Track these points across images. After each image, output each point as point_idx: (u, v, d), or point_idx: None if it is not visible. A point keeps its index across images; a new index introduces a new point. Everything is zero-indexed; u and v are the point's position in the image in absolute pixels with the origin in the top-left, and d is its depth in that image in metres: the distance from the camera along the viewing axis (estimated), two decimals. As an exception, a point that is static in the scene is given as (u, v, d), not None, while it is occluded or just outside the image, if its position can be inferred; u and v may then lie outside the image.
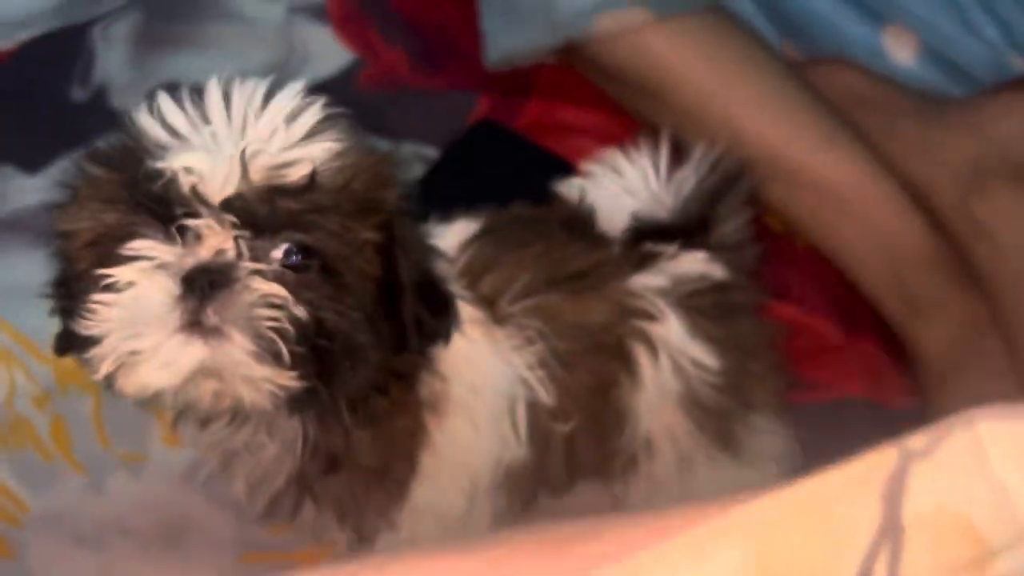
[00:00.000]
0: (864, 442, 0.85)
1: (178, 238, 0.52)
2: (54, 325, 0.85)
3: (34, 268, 0.91)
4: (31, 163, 0.98)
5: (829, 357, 0.86)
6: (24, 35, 1.06)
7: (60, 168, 0.98)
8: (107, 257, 0.54)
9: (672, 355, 0.65)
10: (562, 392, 0.65)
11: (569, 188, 0.71)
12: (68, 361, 0.84)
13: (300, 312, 0.52)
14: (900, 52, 0.91)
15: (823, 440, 0.81)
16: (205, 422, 0.62)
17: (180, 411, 0.62)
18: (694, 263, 0.66)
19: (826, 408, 0.83)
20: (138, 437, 0.81)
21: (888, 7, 0.90)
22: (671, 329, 0.65)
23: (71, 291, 0.57)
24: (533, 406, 0.65)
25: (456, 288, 0.63)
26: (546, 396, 0.64)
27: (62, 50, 1.06)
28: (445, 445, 0.64)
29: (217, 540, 0.77)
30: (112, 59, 1.06)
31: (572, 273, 0.65)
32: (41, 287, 0.88)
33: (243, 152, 0.52)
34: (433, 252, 0.61)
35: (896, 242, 0.85)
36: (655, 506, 0.71)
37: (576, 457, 0.68)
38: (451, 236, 0.66)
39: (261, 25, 1.09)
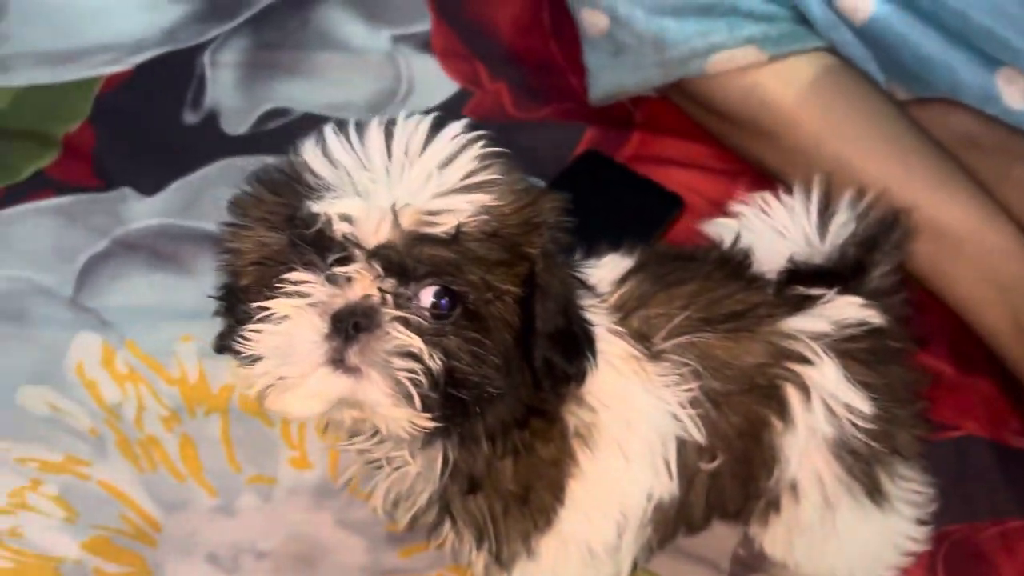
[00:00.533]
0: (985, 481, 0.86)
1: (330, 277, 0.54)
2: (178, 346, 0.88)
3: (154, 290, 0.94)
4: (147, 185, 1.00)
5: (948, 397, 0.87)
6: (138, 59, 1.08)
7: (174, 190, 1.01)
8: (269, 277, 0.56)
9: (825, 399, 0.66)
10: (711, 431, 0.65)
11: (717, 228, 0.72)
12: (194, 383, 0.86)
13: (434, 363, 0.54)
14: (1013, 95, 0.92)
15: (948, 480, 0.82)
16: (350, 435, 0.63)
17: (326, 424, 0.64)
18: (851, 308, 0.67)
19: (949, 447, 0.84)
20: (266, 460, 0.82)
21: (1001, 50, 0.91)
22: (826, 373, 0.65)
23: (234, 301, 0.59)
24: (682, 443, 0.65)
25: (608, 323, 0.64)
26: (697, 434, 0.65)
27: (174, 74, 1.08)
28: (595, 475, 0.64)
29: (349, 565, 0.78)
30: (221, 84, 1.08)
31: (728, 313, 0.66)
32: (161, 309, 0.91)
33: (394, 206, 0.54)
34: (577, 291, 0.62)
35: (1014, 285, 0.86)
36: (795, 550, 0.72)
37: (718, 496, 0.68)
38: (602, 272, 0.67)
39: (367, 54, 1.11)
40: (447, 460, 0.62)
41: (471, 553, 0.67)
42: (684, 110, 1.04)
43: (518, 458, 0.63)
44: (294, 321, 0.54)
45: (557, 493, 0.64)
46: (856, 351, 0.66)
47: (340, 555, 0.78)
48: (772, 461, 0.67)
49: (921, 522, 0.73)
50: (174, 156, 1.02)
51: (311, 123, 1.01)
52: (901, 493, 0.71)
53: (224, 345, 0.60)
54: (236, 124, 1.06)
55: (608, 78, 1.02)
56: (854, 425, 0.66)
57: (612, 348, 0.63)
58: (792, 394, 0.66)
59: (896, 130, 0.93)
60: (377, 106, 1.08)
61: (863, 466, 0.68)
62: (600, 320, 0.63)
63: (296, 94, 1.08)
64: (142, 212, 0.98)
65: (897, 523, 0.72)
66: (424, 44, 1.12)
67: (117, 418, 0.84)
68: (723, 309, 0.66)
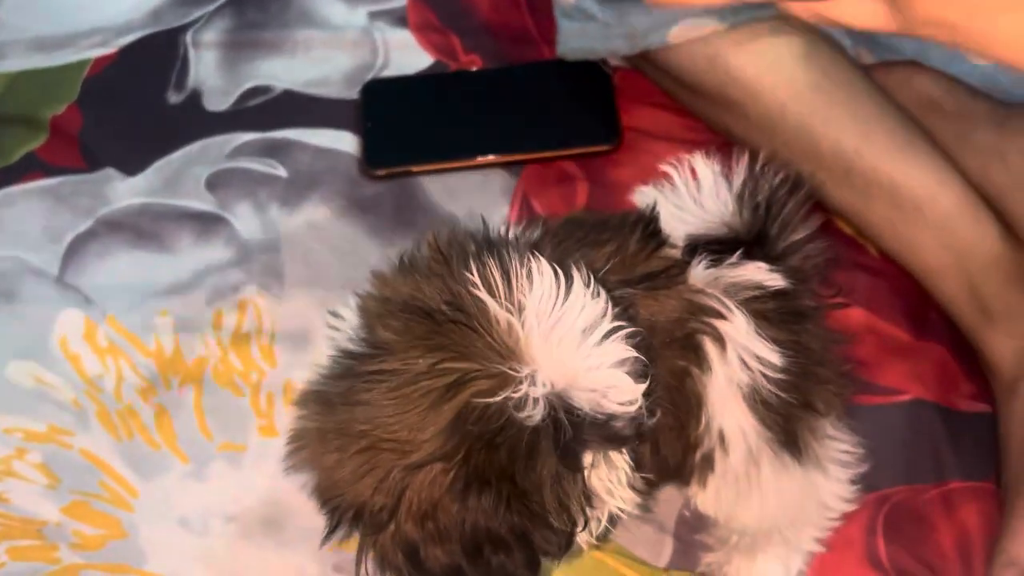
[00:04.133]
0: (931, 444, 0.88)
1: None
2: (156, 321, 0.93)
3: (135, 267, 0.98)
4: (131, 165, 1.04)
5: (899, 361, 0.88)
6: (123, 41, 1.12)
7: (156, 170, 1.04)
8: None
9: (738, 351, 0.67)
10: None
11: (642, 197, 0.73)
12: (170, 355, 0.91)
13: None
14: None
15: (893, 443, 0.84)
16: None
17: None
18: (753, 271, 0.68)
19: (896, 411, 0.85)
20: (237, 428, 0.87)
21: None
22: (737, 326, 0.67)
23: None
24: None
25: None
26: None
27: (158, 55, 1.11)
28: None
29: (312, 527, 0.81)
30: (204, 64, 1.11)
31: (645, 274, 0.68)
32: (141, 285, 0.95)
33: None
34: None
35: (970, 251, 0.87)
36: (723, 503, 0.74)
37: (662, 451, 0.70)
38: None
39: (345, 31, 1.13)
40: None
41: None
42: (654, 82, 1.06)
43: None
44: None
45: None
46: (764, 311, 0.68)
47: (303, 519, 0.82)
48: (697, 407, 0.69)
49: (850, 481, 0.74)
50: (157, 136, 1.06)
51: (291, 99, 1.08)
52: (828, 452, 0.73)
53: None
54: (218, 103, 1.09)
55: (577, 42, 1.04)
56: (765, 376, 0.67)
57: None
58: (708, 345, 0.68)
59: (857, 96, 0.93)
60: (354, 80, 1.10)
61: (776, 417, 0.69)
62: None
63: (277, 71, 1.11)
64: (125, 192, 1.02)
65: (823, 482, 0.73)
66: (400, 19, 1.14)
67: (98, 390, 0.89)
68: (640, 270, 0.68)
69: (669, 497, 0.81)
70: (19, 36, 1.13)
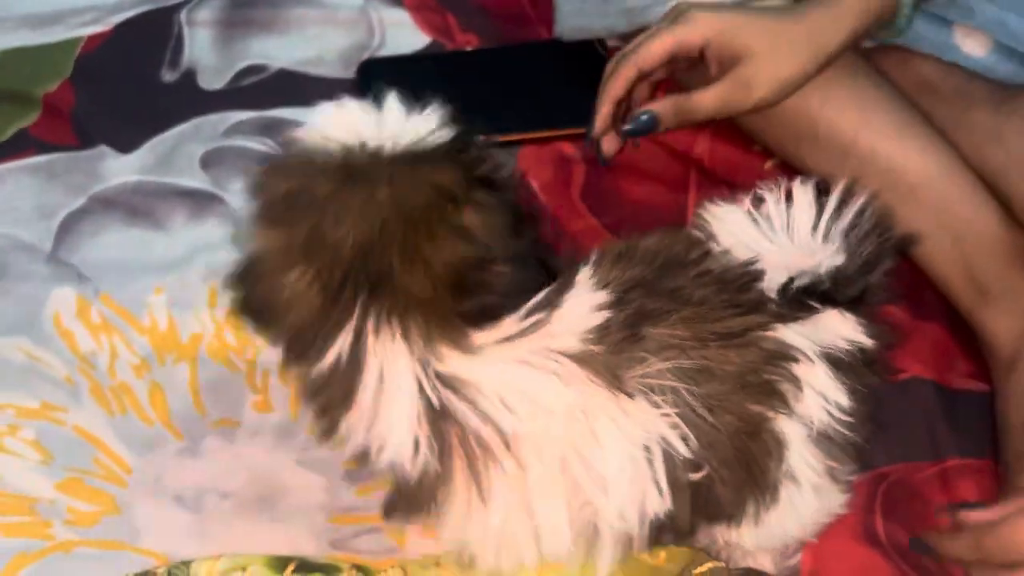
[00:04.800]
0: (927, 422, 0.88)
1: None
2: (150, 298, 0.92)
3: (129, 244, 0.97)
4: (124, 143, 1.03)
5: (897, 340, 0.88)
6: (117, 19, 1.11)
7: (149, 148, 1.04)
8: None
9: (815, 394, 0.65)
10: (701, 439, 0.64)
11: (710, 218, 0.69)
12: (164, 332, 0.90)
13: None
14: (971, 47, 0.92)
15: (890, 420, 0.84)
16: None
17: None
18: (844, 326, 0.66)
19: (894, 390, 0.85)
20: (231, 403, 0.86)
21: (956, 11, 0.91)
22: (816, 372, 0.65)
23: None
24: (669, 457, 0.64)
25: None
26: (684, 450, 0.63)
27: (152, 33, 1.10)
28: None
29: (308, 503, 0.81)
30: (198, 42, 1.10)
31: (722, 333, 0.64)
32: (135, 263, 0.94)
33: None
34: None
35: (967, 231, 0.87)
36: (762, 530, 0.69)
37: (713, 503, 0.67)
38: (576, 310, 0.64)
39: (340, 9, 1.13)
40: None
41: None
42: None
43: None
44: None
45: None
46: (840, 358, 0.66)
47: (299, 494, 0.82)
48: (779, 448, 0.66)
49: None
50: (151, 114, 1.05)
51: (286, 78, 1.07)
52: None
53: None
54: (213, 82, 1.08)
55: (575, 21, 1.03)
56: (837, 418, 0.66)
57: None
58: (786, 388, 0.65)
59: (855, 77, 0.93)
60: (350, 59, 1.10)
61: (839, 453, 0.68)
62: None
63: (271, 50, 1.10)
64: (119, 169, 1.01)
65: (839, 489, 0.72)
66: (396, -1, 1.14)
67: (91, 367, 0.88)
68: (716, 329, 0.64)
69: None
70: (10, 13, 1.12)
